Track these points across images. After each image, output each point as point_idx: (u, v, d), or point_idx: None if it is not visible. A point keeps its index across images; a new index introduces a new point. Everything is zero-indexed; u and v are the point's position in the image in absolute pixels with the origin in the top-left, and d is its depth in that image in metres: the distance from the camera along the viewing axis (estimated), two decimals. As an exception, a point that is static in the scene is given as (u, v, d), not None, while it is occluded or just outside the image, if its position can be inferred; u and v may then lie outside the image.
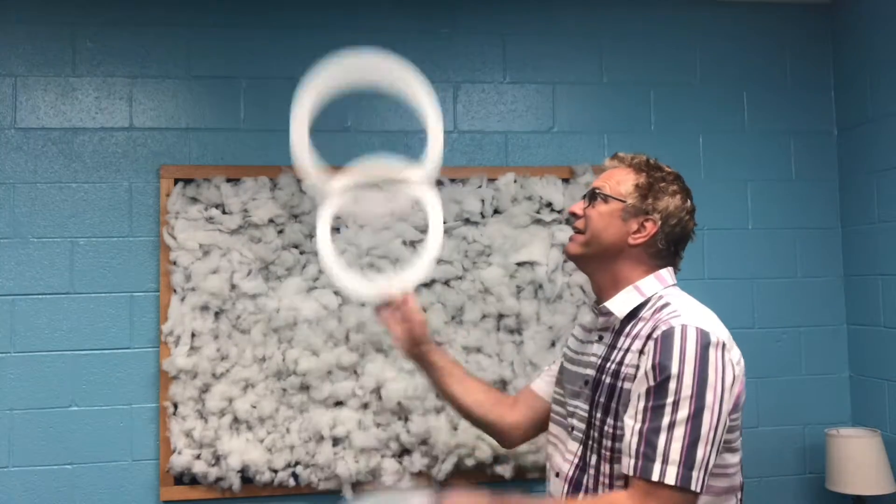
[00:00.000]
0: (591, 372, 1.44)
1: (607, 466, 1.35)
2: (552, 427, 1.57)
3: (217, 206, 2.45)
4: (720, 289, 2.72)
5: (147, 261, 2.45)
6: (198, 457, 2.37)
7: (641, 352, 1.31)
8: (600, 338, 1.47)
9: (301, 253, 2.47)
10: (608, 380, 1.37)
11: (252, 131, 2.54)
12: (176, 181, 2.45)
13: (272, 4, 2.59)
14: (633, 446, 1.25)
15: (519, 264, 2.55)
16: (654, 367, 1.27)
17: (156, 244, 2.45)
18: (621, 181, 1.49)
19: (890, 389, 2.58)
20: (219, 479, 2.37)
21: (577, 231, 1.51)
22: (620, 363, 1.35)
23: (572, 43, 2.73)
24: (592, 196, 1.50)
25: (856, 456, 2.44)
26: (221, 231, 2.44)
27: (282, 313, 2.41)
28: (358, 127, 2.60)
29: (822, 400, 2.75)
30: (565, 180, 2.63)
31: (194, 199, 2.45)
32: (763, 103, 2.81)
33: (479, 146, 2.65)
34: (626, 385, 1.32)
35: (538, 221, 2.59)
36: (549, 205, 2.60)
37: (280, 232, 2.47)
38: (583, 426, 1.42)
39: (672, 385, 1.24)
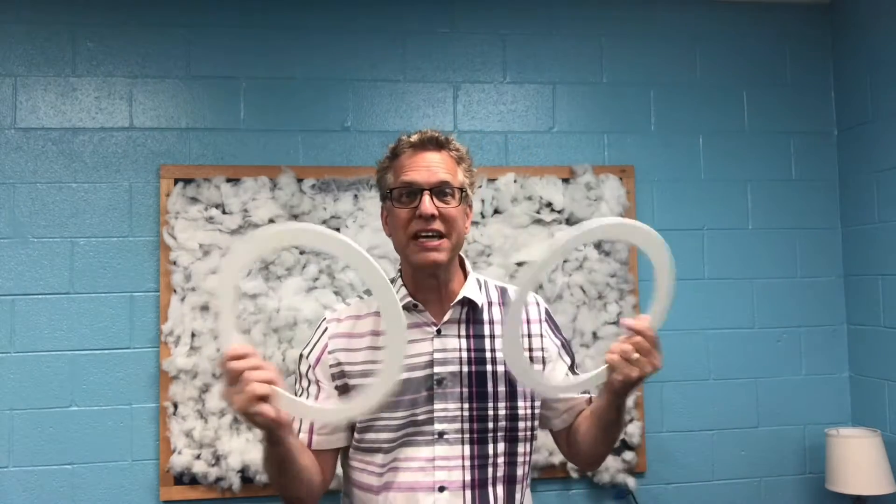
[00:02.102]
0: (450, 369, 1.34)
1: (507, 446, 1.37)
2: (399, 453, 1.34)
3: (217, 206, 2.45)
4: (720, 289, 2.72)
5: (147, 261, 2.45)
6: (198, 457, 2.37)
7: (530, 335, 1.43)
8: (439, 332, 1.36)
9: (301, 253, 2.47)
10: (501, 368, 1.37)
11: (252, 131, 2.54)
12: (176, 181, 2.45)
13: (272, 4, 2.59)
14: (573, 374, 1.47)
15: (519, 264, 2.55)
16: (563, 343, 1.48)
17: (156, 244, 2.45)
18: (454, 170, 1.37)
19: (890, 389, 2.58)
20: (219, 479, 2.37)
21: (438, 235, 1.32)
22: None
23: (572, 43, 2.73)
24: (445, 192, 1.33)
25: (856, 456, 2.44)
26: (221, 231, 2.44)
27: (282, 313, 2.41)
28: (358, 127, 2.60)
29: (822, 400, 2.75)
30: (565, 180, 2.63)
31: (194, 199, 2.46)
32: (763, 103, 2.81)
33: (479, 146, 2.65)
34: (538, 367, 1.41)
35: (538, 221, 2.59)
36: (549, 205, 2.60)
37: (280, 232, 2.46)
38: (458, 425, 1.34)
39: (571, 352, 1.51)
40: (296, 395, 1.42)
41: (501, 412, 1.36)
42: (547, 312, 1.48)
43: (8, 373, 2.37)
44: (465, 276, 1.43)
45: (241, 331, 2.43)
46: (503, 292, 1.47)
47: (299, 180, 2.50)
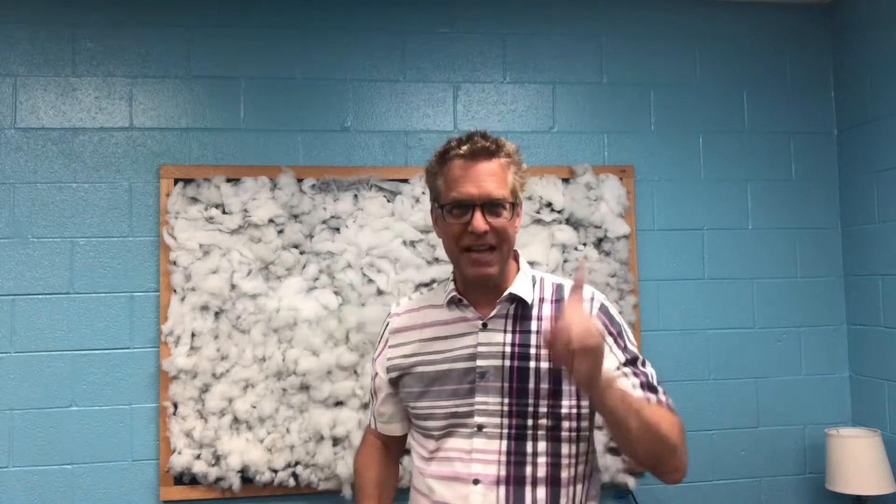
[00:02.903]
0: (493, 362, 1.37)
1: (549, 445, 1.35)
2: (444, 442, 1.40)
3: (217, 206, 2.45)
4: (720, 289, 2.72)
5: (147, 261, 2.45)
6: (198, 457, 2.37)
7: None
8: (485, 325, 1.40)
9: (301, 253, 2.47)
10: (546, 364, 1.35)
11: (252, 131, 2.54)
12: (176, 181, 2.45)
13: (272, 4, 2.59)
14: (644, 392, 1.35)
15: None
16: (615, 340, 1.39)
17: (156, 244, 2.45)
18: (505, 178, 1.37)
19: (890, 389, 2.58)
20: (219, 479, 2.37)
21: (492, 248, 1.36)
22: None
23: (572, 43, 2.73)
24: (496, 205, 1.35)
25: (856, 456, 2.44)
26: (221, 231, 2.44)
27: (282, 313, 2.41)
28: (358, 127, 2.60)
29: (822, 400, 2.75)
30: (565, 180, 2.63)
31: (194, 199, 2.46)
32: (763, 103, 2.81)
33: (479, 146, 2.65)
34: None
35: (538, 221, 2.59)
36: (549, 205, 2.60)
37: (280, 232, 2.47)
38: (498, 420, 1.36)
39: (631, 346, 1.41)
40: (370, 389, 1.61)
41: (542, 409, 1.35)
42: (602, 308, 1.43)
43: (8, 373, 2.37)
44: (518, 271, 1.45)
45: (241, 331, 2.43)
46: (558, 289, 1.46)
47: (299, 180, 2.50)
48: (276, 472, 2.38)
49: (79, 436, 2.38)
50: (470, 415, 1.37)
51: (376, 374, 1.54)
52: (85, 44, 2.49)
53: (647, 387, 1.36)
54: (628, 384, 1.34)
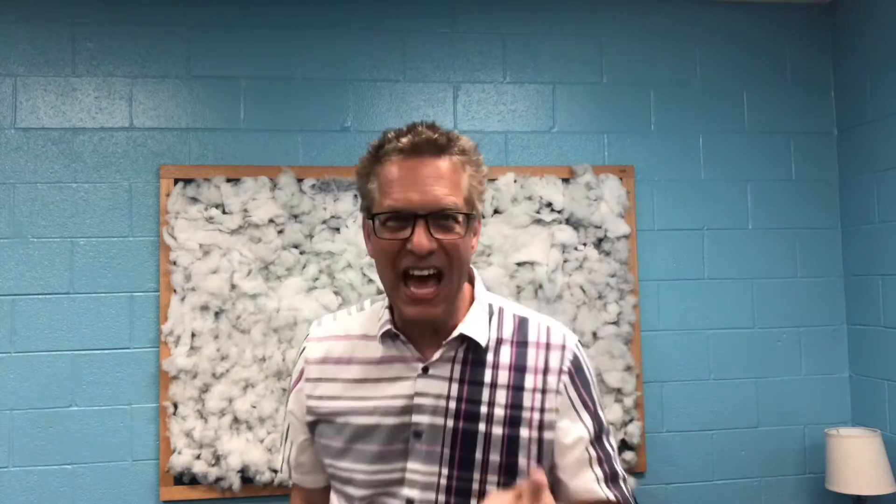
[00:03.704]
0: (432, 419, 1.06)
1: None
2: None
3: (217, 206, 2.46)
4: (720, 289, 2.72)
5: (147, 261, 2.45)
6: (198, 457, 2.37)
7: (545, 391, 1.08)
8: (426, 370, 1.08)
9: (301, 253, 2.47)
10: (499, 430, 1.05)
11: (252, 131, 2.54)
12: (176, 181, 2.45)
13: (272, 4, 2.59)
14: (606, 489, 1.10)
15: (519, 264, 2.55)
16: (584, 405, 1.11)
17: (156, 244, 2.45)
18: (458, 181, 1.05)
19: (890, 389, 2.58)
20: (219, 479, 2.37)
21: (438, 276, 1.03)
22: (518, 406, 1.07)
23: (572, 43, 2.73)
24: (446, 217, 1.02)
25: (856, 456, 2.44)
26: (221, 231, 2.44)
27: (282, 313, 2.41)
28: (358, 127, 2.60)
29: (822, 400, 2.75)
30: (565, 180, 2.63)
31: (194, 199, 2.46)
32: (763, 103, 2.81)
33: (479, 146, 2.62)
34: (544, 434, 1.07)
35: (538, 221, 2.59)
36: (549, 205, 2.60)
37: (280, 232, 2.47)
38: (432, 495, 1.06)
39: (600, 411, 1.14)
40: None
41: (490, 488, 1.04)
42: (574, 361, 1.11)
43: (8, 373, 2.37)
44: (473, 300, 1.13)
45: (241, 331, 2.43)
46: (521, 325, 1.13)
47: (299, 180, 2.50)
48: (276, 472, 2.39)
49: (79, 436, 2.38)
50: (399, 483, 1.07)
51: (292, 411, 1.19)
52: (85, 44, 2.49)
53: (611, 478, 1.11)
54: (591, 479, 1.09)
